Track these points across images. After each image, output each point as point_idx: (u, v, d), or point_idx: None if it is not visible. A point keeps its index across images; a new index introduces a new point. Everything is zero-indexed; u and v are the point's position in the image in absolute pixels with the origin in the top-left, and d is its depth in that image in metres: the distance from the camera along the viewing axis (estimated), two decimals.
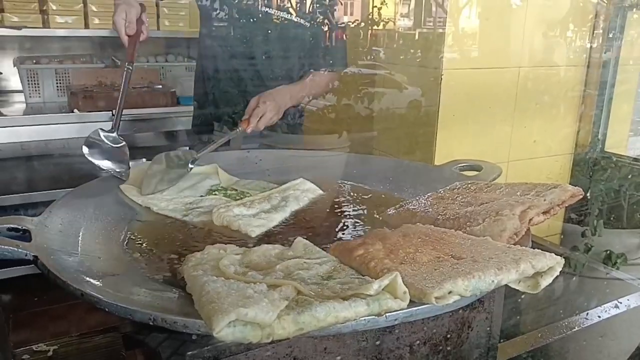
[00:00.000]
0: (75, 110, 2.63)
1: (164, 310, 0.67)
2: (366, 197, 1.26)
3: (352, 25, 2.52)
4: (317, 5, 1.78)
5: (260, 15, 1.72)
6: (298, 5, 1.75)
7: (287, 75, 1.79)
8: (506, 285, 0.73)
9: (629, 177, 2.24)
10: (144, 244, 0.98)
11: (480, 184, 1.08)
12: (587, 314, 1.17)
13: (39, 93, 2.87)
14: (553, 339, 1.10)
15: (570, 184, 1.00)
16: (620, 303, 1.20)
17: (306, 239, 0.90)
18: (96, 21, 2.89)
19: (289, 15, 1.73)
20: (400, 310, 0.65)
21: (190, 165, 1.29)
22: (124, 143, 1.29)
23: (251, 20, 1.72)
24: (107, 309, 0.67)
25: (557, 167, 2.30)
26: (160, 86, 2.92)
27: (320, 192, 1.25)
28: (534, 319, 1.22)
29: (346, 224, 1.11)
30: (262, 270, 0.77)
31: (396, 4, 2.69)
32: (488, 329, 0.94)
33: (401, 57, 2.33)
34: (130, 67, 1.31)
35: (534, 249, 0.78)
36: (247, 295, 0.62)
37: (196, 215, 1.10)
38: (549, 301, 1.29)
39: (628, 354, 1.17)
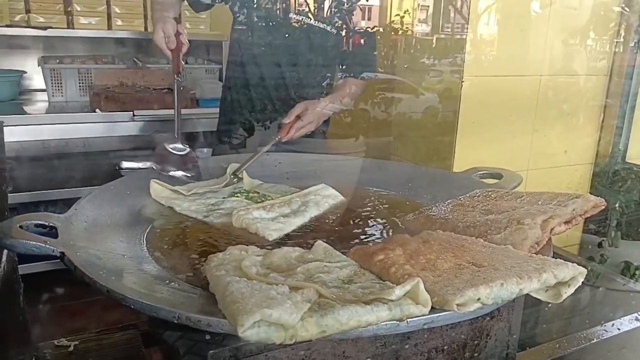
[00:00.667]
0: (97, 110, 2.67)
1: (187, 308, 0.68)
2: (385, 202, 1.26)
3: (371, 31, 2.53)
4: (339, 11, 1.79)
5: (296, 24, 1.74)
6: (329, 12, 1.77)
7: (321, 80, 1.80)
8: (525, 295, 0.72)
9: None
10: (165, 244, 0.99)
11: (501, 192, 1.08)
12: (606, 325, 1.16)
13: (62, 92, 2.92)
14: (571, 350, 1.09)
15: (590, 193, 0.99)
16: None
17: (325, 242, 0.91)
18: (119, 22, 2.94)
19: (321, 24, 1.75)
20: (421, 316, 0.66)
21: (231, 176, 1.31)
22: (189, 149, 1.32)
23: (286, 27, 1.74)
24: (132, 306, 0.68)
25: (577, 177, 2.28)
26: (181, 88, 2.95)
27: (342, 197, 1.25)
28: (550, 330, 1.21)
29: (365, 228, 1.11)
30: (282, 272, 0.77)
31: (414, 10, 2.70)
32: (507, 338, 0.94)
33: (420, 62, 2.33)
34: (179, 79, 1.38)
35: (555, 258, 0.78)
36: (271, 296, 0.63)
37: (217, 217, 1.12)
38: (565, 312, 1.28)
39: None
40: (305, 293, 0.66)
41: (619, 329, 1.15)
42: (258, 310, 0.58)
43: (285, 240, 1.04)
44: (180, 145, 1.31)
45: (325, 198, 1.21)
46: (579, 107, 2.20)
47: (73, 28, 2.86)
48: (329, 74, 1.87)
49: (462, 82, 1.89)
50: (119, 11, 2.94)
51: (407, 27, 2.54)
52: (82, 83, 2.95)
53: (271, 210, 1.12)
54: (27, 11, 2.80)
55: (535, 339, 1.15)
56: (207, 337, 0.74)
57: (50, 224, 0.90)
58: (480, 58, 1.94)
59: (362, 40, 1.85)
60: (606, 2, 2.17)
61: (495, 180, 1.26)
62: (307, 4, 1.75)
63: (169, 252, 0.96)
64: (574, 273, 0.74)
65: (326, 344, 0.78)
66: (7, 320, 0.92)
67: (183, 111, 2.75)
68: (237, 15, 1.74)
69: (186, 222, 1.11)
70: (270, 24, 1.72)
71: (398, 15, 2.44)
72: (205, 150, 2.25)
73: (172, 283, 0.82)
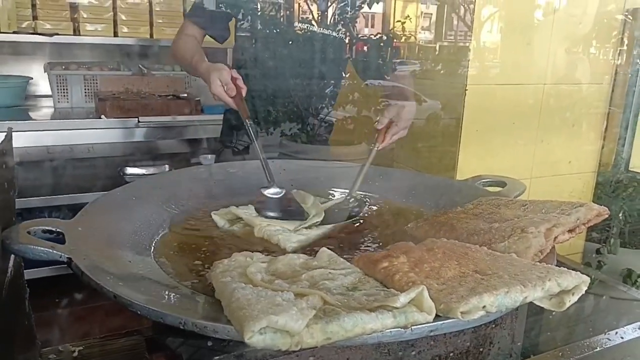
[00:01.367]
0: (102, 116, 2.69)
1: (193, 314, 0.69)
2: (389, 209, 1.27)
3: (375, 38, 2.54)
4: (342, 19, 1.81)
5: (300, 32, 1.76)
6: (332, 20, 1.78)
7: (325, 87, 1.81)
8: (529, 303, 0.73)
9: None
10: (171, 250, 1.00)
11: (505, 200, 1.08)
12: (609, 334, 1.15)
13: (67, 98, 2.94)
14: (574, 358, 1.09)
15: (593, 202, 1.00)
16: None
17: (330, 249, 0.91)
18: (125, 30, 2.97)
19: (325, 31, 1.77)
20: (426, 323, 0.66)
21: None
22: (285, 191, 1.30)
23: (290, 34, 1.75)
24: (139, 312, 0.69)
25: (580, 185, 2.28)
26: (186, 95, 2.97)
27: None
28: (553, 338, 1.21)
29: (369, 236, 1.12)
30: (287, 279, 0.78)
31: (417, 18, 2.71)
32: (510, 346, 0.94)
33: (423, 70, 2.35)
34: (250, 122, 1.33)
35: (559, 267, 0.78)
36: (277, 303, 0.63)
37: (241, 227, 1.14)
38: (569, 320, 1.27)
39: None
40: (310, 300, 0.66)
41: (622, 338, 1.14)
42: (264, 317, 0.58)
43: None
44: (275, 189, 1.30)
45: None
46: (582, 115, 2.21)
47: (79, 35, 2.89)
48: (332, 81, 1.88)
49: (466, 90, 1.90)
50: (125, 18, 2.97)
51: (410, 34, 2.55)
52: (88, 89, 2.98)
53: None
54: (34, 18, 2.82)
55: (538, 347, 1.14)
56: (209, 343, 0.74)
57: (57, 230, 0.91)
58: (484, 66, 1.95)
59: (380, 43, 1.86)
60: (609, 10, 2.18)
61: (499, 188, 1.26)
62: (311, 12, 1.77)
63: (174, 258, 0.96)
64: (578, 281, 0.74)
65: (330, 351, 0.78)
66: (13, 326, 0.92)
67: (188, 117, 2.80)
68: (241, 23, 1.76)
69: (189, 230, 1.12)
70: (275, 31, 1.74)
71: (399, 21, 2.44)
72: (209, 156, 2.27)
73: (178, 289, 0.83)
